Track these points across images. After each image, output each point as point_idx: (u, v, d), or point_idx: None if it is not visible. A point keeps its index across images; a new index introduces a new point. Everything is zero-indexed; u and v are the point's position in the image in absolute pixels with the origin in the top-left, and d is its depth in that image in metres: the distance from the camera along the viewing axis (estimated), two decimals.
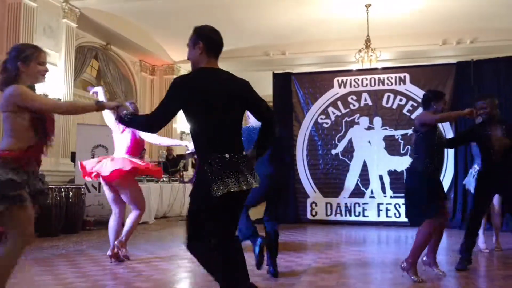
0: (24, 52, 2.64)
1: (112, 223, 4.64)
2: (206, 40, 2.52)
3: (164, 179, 9.07)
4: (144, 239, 6.43)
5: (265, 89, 11.49)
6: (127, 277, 4.10)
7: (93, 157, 7.67)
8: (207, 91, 2.43)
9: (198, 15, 8.65)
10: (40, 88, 6.88)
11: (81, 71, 9.43)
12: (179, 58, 11.00)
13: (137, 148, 4.70)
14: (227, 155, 2.40)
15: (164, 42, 10.36)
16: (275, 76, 9.11)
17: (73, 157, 8.12)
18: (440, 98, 4.05)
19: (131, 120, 2.55)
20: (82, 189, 7.00)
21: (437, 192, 3.92)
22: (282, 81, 8.98)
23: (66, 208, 6.62)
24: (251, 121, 4.33)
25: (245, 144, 4.08)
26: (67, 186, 6.98)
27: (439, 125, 4.24)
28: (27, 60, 2.61)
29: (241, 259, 2.52)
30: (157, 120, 2.47)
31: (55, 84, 7.40)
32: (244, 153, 2.54)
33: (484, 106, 4.38)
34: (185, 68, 11.62)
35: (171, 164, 9.49)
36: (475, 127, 4.61)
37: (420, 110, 8.06)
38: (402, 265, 3.92)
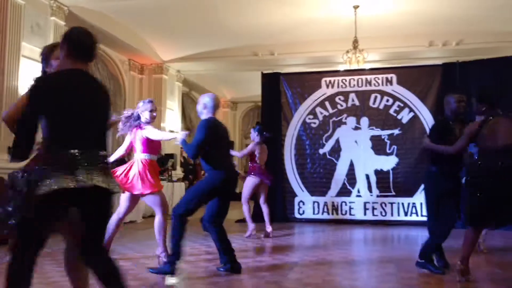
0: (42, 53, 2.72)
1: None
2: (71, 43, 2.42)
3: None
4: (131, 237, 6.43)
5: (254, 89, 11.57)
6: None
7: None
8: (65, 89, 2.35)
9: (187, 15, 8.67)
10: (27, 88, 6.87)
11: None
12: (168, 58, 10.98)
13: (152, 146, 4.57)
14: (74, 151, 2.27)
15: (153, 41, 10.33)
16: (264, 76, 9.17)
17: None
18: None
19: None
20: None
21: None
22: (271, 81, 9.05)
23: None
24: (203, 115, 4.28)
25: (212, 137, 4.09)
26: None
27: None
28: (47, 60, 2.67)
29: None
30: (26, 136, 2.28)
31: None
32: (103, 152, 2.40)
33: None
34: (174, 68, 11.61)
35: (159, 163, 9.47)
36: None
37: (406, 110, 8.22)
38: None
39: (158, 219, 4.54)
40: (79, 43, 2.43)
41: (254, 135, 6.75)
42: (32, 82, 2.43)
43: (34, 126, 2.29)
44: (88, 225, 2.37)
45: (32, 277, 2.31)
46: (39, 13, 7.45)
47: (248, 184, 6.56)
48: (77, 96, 2.37)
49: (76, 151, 2.27)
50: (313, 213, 8.38)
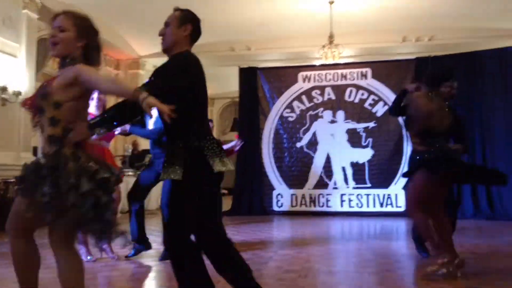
0: None
1: None
2: None
3: (130, 173, 9.01)
4: None
5: (231, 85, 11.58)
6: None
7: None
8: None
9: (163, 9, 8.57)
10: (1, 80, 6.76)
11: (43, 64, 9.19)
12: (144, 53, 10.89)
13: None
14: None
15: (129, 36, 10.22)
16: (242, 71, 9.22)
17: (35, 152, 7.93)
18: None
19: None
20: None
21: None
22: (248, 75, 9.10)
23: None
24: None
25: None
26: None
27: None
28: None
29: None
30: None
31: (16, 76, 7.21)
32: None
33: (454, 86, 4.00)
34: (151, 63, 11.50)
35: (136, 158, 9.43)
36: None
37: (381, 104, 8.39)
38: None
39: None
40: None
41: None
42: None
43: None
44: None
45: None
46: (11, 6, 7.29)
47: None
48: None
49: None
50: (291, 206, 8.48)
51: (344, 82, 8.60)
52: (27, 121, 7.63)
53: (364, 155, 8.30)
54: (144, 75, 11.26)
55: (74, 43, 2.16)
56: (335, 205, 8.32)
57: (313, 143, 8.53)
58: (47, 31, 8.94)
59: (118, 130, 4.27)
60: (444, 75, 3.79)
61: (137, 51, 10.88)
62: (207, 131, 2.48)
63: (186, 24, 2.50)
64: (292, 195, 8.47)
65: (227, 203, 8.63)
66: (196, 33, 2.57)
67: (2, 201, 6.43)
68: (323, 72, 8.72)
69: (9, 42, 7.22)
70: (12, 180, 6.54)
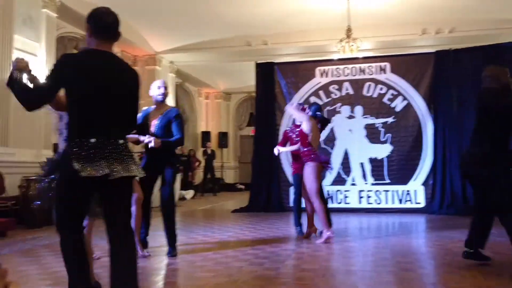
0: None
1: None
2: (93, 22, 2.44)
3: None
4: None
5: (247, 80, 11.57)
6: None
7: None
8: (88, 71, 2.37)
9: (180, 6, 8.62)
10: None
11: None
12: (160, 49, 10.94)
13: None
14: (92, 140, 2.34)
15: (145, 32, 10.27)
16: (258, 66, 9.17)
17: (55, 148, 8.05)
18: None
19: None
20: None
21: None
22: (265, 70, 9.05)
23: (49, 199, 6.58)
24: None
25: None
26: (50, 177, 6.92)
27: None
28: None
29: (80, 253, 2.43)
30: (41, 95, 2.42)
31: (37, 75, 7.32)
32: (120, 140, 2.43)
33: None
34: (167, 59, 11.57)
35: None
36: None
37: (400, 98, 8.27)
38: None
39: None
40: (99, 22, 2.44)
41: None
42: (67, 57, 2.52)
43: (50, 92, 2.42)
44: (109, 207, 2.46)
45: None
46: (31, 6, 7.39)
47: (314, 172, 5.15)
48: (96, 79, 2.37)
49: (94, 140, 2.33)
50: None
51: (362, 76, 8.50)
52: (48, 120, 7.75)
53: (382, 150, 8.20)
54: (161, 71, 11.33)
55: None
56: (353, 202, 8.25)
57: (331, 139, 8.45)
58: (66, 29, 9.06)
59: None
60: None
61: (153, 47, 10.93)
62: (81, 133, 2.36)
63: (87, 25, 2.47)
64: None
65: (244, 199, 8.65)
66: (97, 29, 2.44)
67: (24, 197, 6.58)
68: (341, 66, 8.63)
69: (29, 41, 7.33)
70: (33, 178, 6.66)
